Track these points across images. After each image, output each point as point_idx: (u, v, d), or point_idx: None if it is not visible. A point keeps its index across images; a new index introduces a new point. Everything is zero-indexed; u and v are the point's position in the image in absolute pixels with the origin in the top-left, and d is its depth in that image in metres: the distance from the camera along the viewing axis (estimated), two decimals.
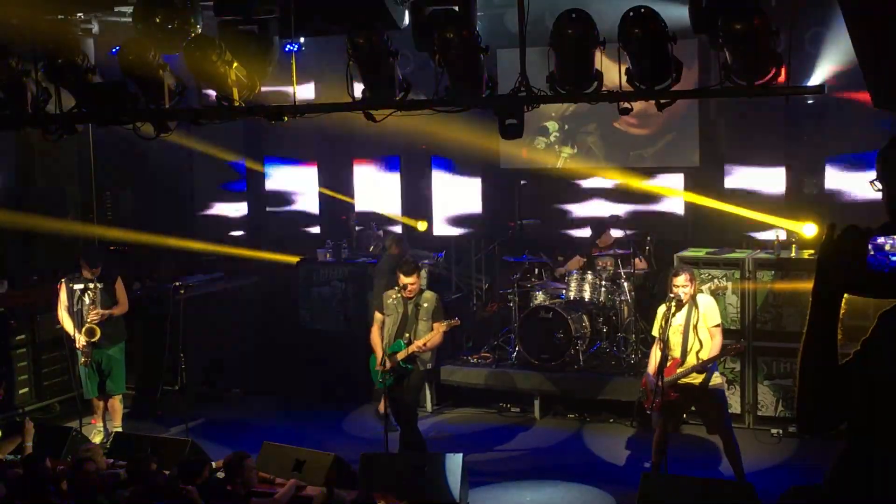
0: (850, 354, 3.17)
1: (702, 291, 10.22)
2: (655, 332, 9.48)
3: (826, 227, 3.13)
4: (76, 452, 8.52)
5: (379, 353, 10.17)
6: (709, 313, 9.35)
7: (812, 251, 11.31)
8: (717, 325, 9.39)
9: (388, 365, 10.04)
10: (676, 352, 9.29)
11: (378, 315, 10.43)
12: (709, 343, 9.27)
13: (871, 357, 3.14)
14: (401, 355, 10.07)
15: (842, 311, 3.11)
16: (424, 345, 10.08)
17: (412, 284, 10.12)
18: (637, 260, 12.59)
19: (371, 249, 14.41)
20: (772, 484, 8.93)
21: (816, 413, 3.20)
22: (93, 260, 11.58)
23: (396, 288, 10.33)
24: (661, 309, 9.37)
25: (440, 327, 10.14)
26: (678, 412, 9.70)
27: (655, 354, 9.39)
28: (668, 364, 9.28)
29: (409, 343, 10.08)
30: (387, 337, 10.23)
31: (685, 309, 9.30)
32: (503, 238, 14.46)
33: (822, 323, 3.12)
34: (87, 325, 11.30)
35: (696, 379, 9.23)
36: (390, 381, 10.20)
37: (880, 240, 3.05)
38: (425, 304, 10.20)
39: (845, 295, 3.11)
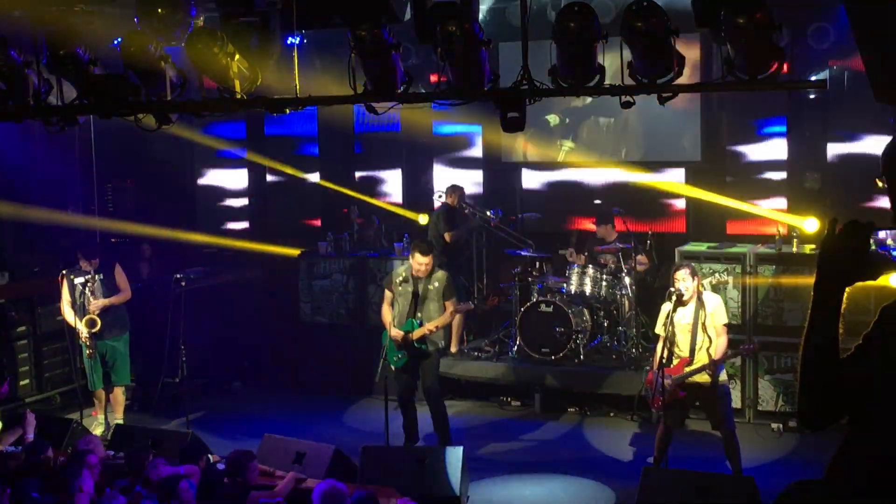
0: (850, 349, 3.17)
1: (704, 288, 10.20)
2: (659, 329, 9.46)
3: (828, 223, 3.13)
4: (76, 445, 8.54)
5: (390, 329, 10.22)
6: (717, 312, 9.32)
7: (813, 246, 11.32)
8: (725, 325, 9.37)
9: (399, 339, 10.15)
10: (685, 350, 9.27)
11: (388, 293, 10.49)
12: (715, 341, 9.26)
13: (872, 351, 3.14)
14: (413, 335, 10.13)
15: (843, 306, 3.11)
16: (437, 327, 10.17)
17: (426, 265, 10.16)
18: (640, 257, 12.57)
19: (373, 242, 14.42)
20: (772, 479, 8.94)
21: (817, 407, 3.20)
22: (89, 252, 11.60)
23: (406, 265, 10.38)
24: (665, 307, 9.35)
25: (451, 306, 10.22)
26: (683, 409, 9.70)
27: (660, 352, 9.38)
28: (676, 363, 9.28)
29: (422, 323, 10.15)
30: (397, 316, 10.31)
31: (692, 307, 9.28)
32: (504, 231, 14.46)
33: (823, 317, 3.12)
34: (88, 317, 11.32)
35: (706, 377, 9.22)
36: (403, 360, 10.27)
37: (882, 234, 3.06)
38: (436, 284, 10.26)
39: (847, 289, 3.12)
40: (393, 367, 10.40)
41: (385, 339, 10.36)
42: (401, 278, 10.38)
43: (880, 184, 3.28)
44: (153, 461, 7.80)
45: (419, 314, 10.24)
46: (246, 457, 7.91)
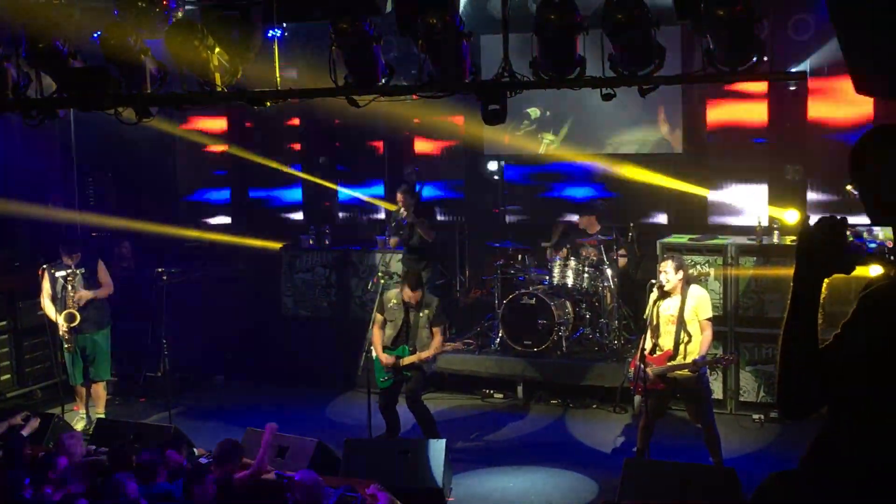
0: (830, 339, 3.19)
1: (701, 282, 10.21)
2: (647, 316, 9.50)
3: (803, 219, 3.16)
4: (60, 440, 8.51)
5: (382, 358, 10.23)
6: (700, 306, 9.32)
7: (794, 237, 11.35)
8: (708, 319, 9.36)
9: (389, 364, 10.18)
10: (668, 343, 9.28)
11: (378, 316, 10.46)
12: (698, 336, 9.26)
13: (851, 338, 3.16)
14: (403, 361, 10.15)
15: (822, 296, 3.13)
16: (427, 357, 10.27)
17: (415, 299, 10.17)
18: (620, 251, 12.58)
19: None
20: (753, 469, 8.98)
21: (798, 397, 3.22)
22: (70, 247, 11.55)
23: (398, 291, 10.34)
24: (652, 294, 9.39)
25: (439, 335, 10.25)
26: (664, 400, 9.72)
27: (642, 341, 9.42)
28: (659, 354, 9.30)
29: (414, 350, 10.15)
30: (386, 341, 10.29)
31: (677, 299, 9.30)
32: (486, 224, 14.49)
33: (802, 308, 3.14)
34: (67, 311, 11.27)
35: (688, 372, 9.24)
36: (389, 382, 10.29)
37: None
38: (427, 311, 10.26)
39: (826, 280, 3.14)
40: (379, 388, 10.41)
41: (377, 362, 10.38)
42: (392, 303, 10.37)
43: (849, 188, 3.31)
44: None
45: (410, 341, 10.26)
46: (235, 448, 7.95)
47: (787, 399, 3.24)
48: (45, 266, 11.52)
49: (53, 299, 11.41)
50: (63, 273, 11.36)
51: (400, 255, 12.90)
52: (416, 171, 15.37)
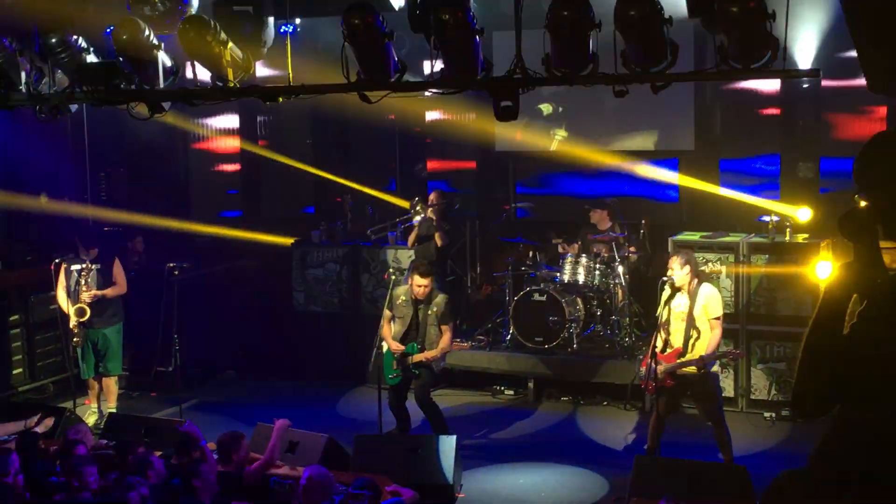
0: (847, 330, 3.19)
1: (710, 279, 10.18)
2: (658, 314, 9.48)
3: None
4: (65, 433, 8.54)
5: (393, 346, 10.25)
6: (710, 304, 9.29)
7: (806, 235, 11.35)
8: (718, 318, 9.33)
9: (399, 354, 10.20)
10: (679, 340, 9.26)
11: (387, 312, 10.45)
12: (707, 334, 9.24)
13: (865, 328, 3.16)
14: (412, 360, 10.17)
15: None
16: (435, 356, 10.24)
17: (425, 287, 10.14)
18: (631, 248, 12.56)
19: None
20: (764, 467, 8.95)
21: (813, 398, 3.22)
22: (88, 241, 11.56)
23: (407, 287, 10.34)
24: (665, 292, 9.36)
25: (447, 332, 10.25)
26: (675, 398, 9.70)
27: (654, 338, 9.40)
28: (669, 351, 9.28)
29: (422, 348, 10.15)
30: (395, 337, 10.29)
31: (687, 296, 9.28)
32: (497, 220, 14.47)
33: (830, 316, 3.15)
34: (78, 305, 11.29)
35: (695, 369, 9.21)
36: (398, 379, 10.28)
37: None
38: (435, 309, 10.24)
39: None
40: (388, 385, 10.42)
41: (387, 359, 10.41)
42: (401, 300, 10.36)
43: (856, 197, 3.30)
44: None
45: (420, 339, 10.25)
46: (235, 438, 7.95)
47: (803, 399, 3.25)
48: (59, 260, 11.51)
49: (68, 292, 11.42)
50: (78, 267, 11.38)
51: (410, 252, 12.89)
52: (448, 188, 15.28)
